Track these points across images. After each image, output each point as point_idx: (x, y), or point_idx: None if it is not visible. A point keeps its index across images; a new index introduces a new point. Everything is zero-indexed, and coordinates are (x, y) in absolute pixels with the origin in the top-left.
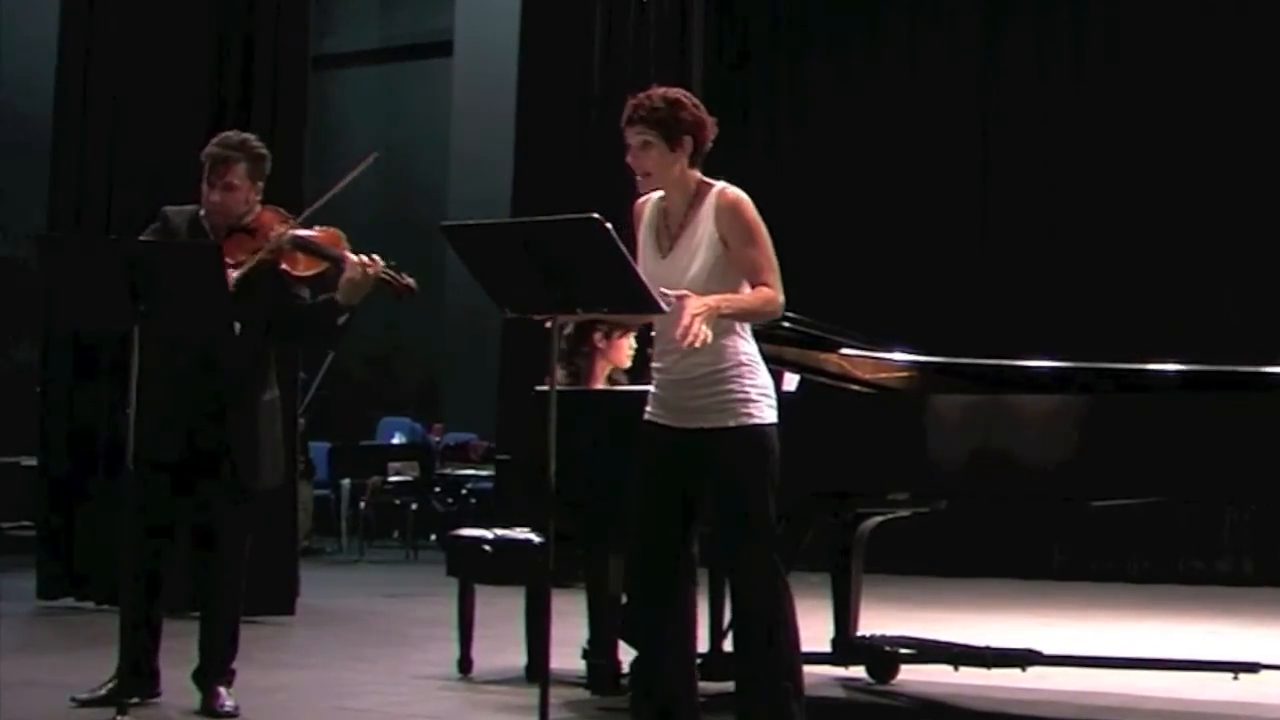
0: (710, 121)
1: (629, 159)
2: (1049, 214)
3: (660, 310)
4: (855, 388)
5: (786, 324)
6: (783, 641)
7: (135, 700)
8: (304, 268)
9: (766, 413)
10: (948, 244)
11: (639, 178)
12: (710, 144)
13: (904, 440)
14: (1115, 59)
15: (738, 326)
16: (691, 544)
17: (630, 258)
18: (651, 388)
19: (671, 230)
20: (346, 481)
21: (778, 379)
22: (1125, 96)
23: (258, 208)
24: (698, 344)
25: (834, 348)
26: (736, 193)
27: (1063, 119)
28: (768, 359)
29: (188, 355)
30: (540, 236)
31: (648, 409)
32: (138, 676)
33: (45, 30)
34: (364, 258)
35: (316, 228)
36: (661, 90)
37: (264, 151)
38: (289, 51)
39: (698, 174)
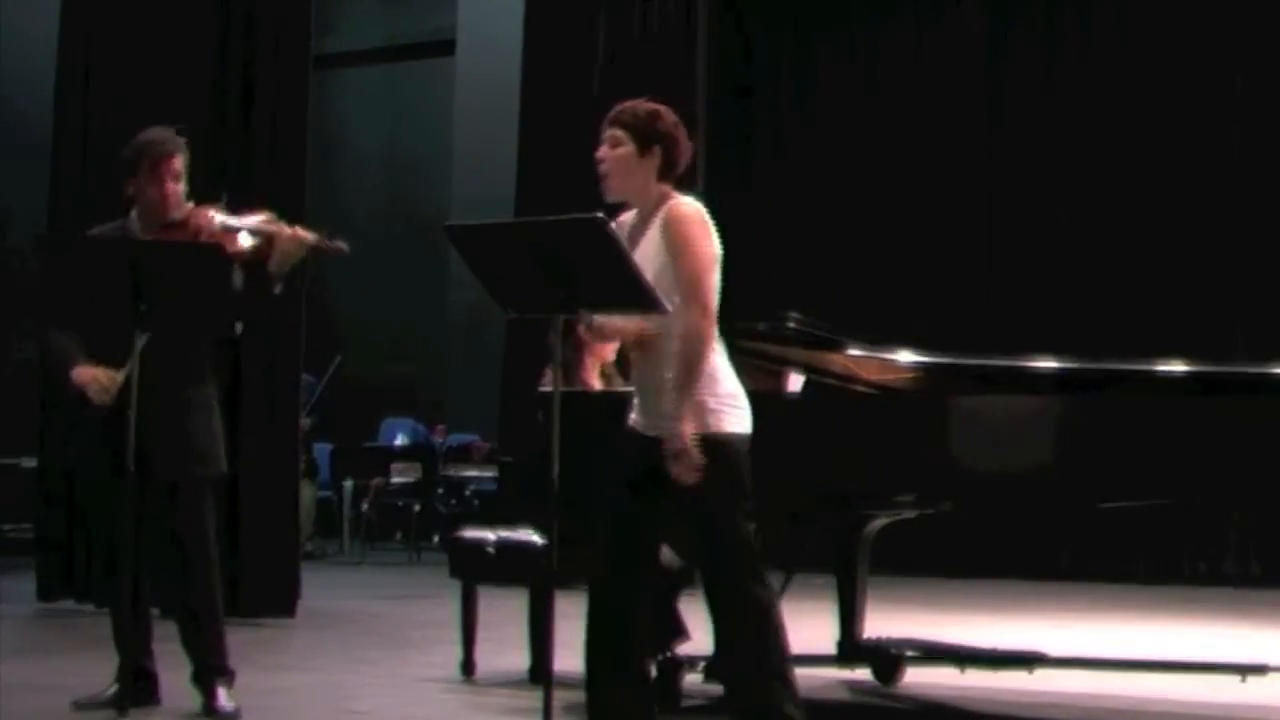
0: (686, 143)
1: (599, 163)
2: (1055, 215)
3: (664, 310)
4: (861, 388)
5: (792, 324)
6: (768, 650)
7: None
8: (237, 244)
9: (729, 423)
10: (954, 244)
11: (602, 184)
12: (683, 166)
13: (909, 441)
14: (1122, 59)
15: None
16: (659, 550)
17: (632, 258)
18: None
19: (633, 241)
20: (349, 483)
21: (783, 379)
22: (1132, 96)
23: (186, 206)
24: (695, 474)
25: (840, 348)
26: (685, 208)
27: (1069, 119)
28: (772, 359)
29: (113, 354)
30: (543, 236)
31: (631, 415)
32: (138, 681)
33: (45, 29)
34: (299, 230)
35: (245, 210)
36: (648, 100)
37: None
38: (291, 50)
39: (667, 189)
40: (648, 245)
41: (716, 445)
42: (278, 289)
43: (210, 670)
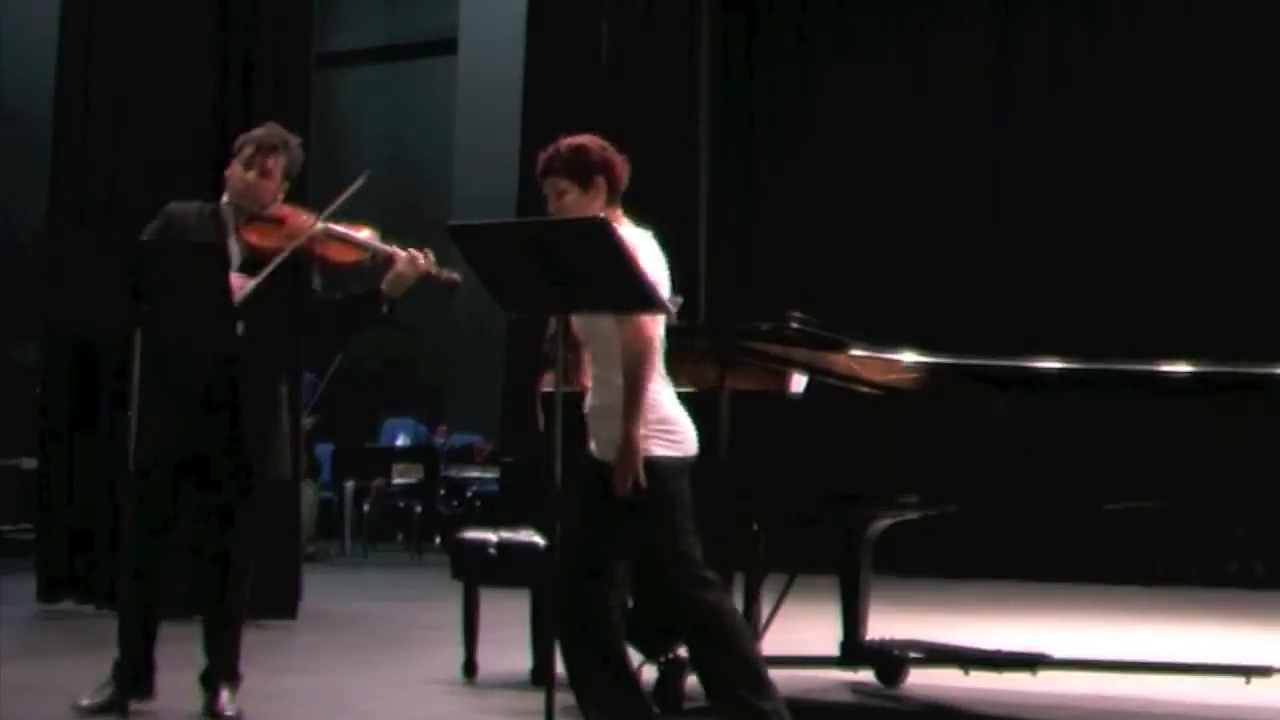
0: (621, 161)
1: (550, 210)
2: (1059, 215)
3: (668, 311)
4: (864, 389)
5: (795, 325)
6: (730, 649)
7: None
8: (343, 255)
9: (657, 447)
10: (958, 245)
11: None
12: (626, 182)
13: (912, 443)
14: (1127, 58)
15: None
16: (618, 567)
17: (636, 258)
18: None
19: None
20: (350, 484)
21: (786, 380)
22: (1137, 96)
23: (280, 203)
24: (636, 484)
25: (842, 349)
26: (631, 234)
27: (1074, 119)
28: (777, 360)
29: (204, 347)
30: (546, 236)
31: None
32: (135, 679)
33: (45, 29)
34: (413, 251)
35: (345, 223)
36: (566, 140)
37: (301, 155)
38: (292, 49)
39: (618, 213)
40: None
41: (646, 468)
42: (385, 309)
43: (224, 674)
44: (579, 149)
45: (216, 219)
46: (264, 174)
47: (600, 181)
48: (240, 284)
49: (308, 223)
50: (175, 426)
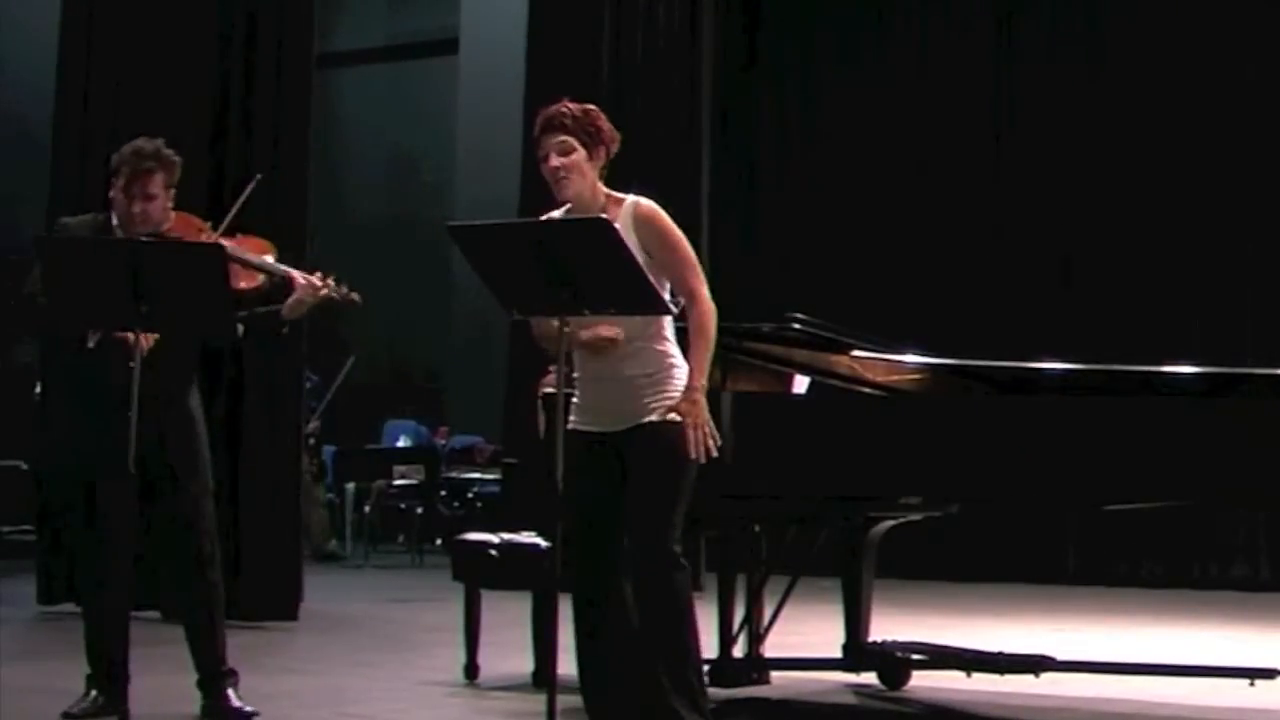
0: (617, 135)
1: (545, 168)
2: (1062, 215)
3: (670, 312)
4: (866, 390)
5: (797, 325)
6: (683, 652)
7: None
8: (244, 281)
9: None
10: (960, 246)
11: (559, 186)
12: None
13: (915, 444)
14: (1131, 62)
15: (665, 330)
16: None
17: (637, 259)
18: (574, 397)
19: None
20: (351, 485)
21: (788, 381)
22: (1141, 100)
23: (171, 215)
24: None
25: (845, 349)
26: (651, 203)
27: (1077, 120)
28: (779, 361)
29: (122, 360)
30: (548, 237)
31: (571, 418)
32: (113, 683)
33: (46, 30)
34: (313, 279)
35: (239, 236)
36: (572, 101)
37: (177, 159)
38: (293, 49)
39: (601, 186)
40: None
41: (667, 433)
42: (284, 331)
43: (221, 674)
44: (591, 113)
45: (110, 235)
46: (148, 199)
47: (603, 152)
48: (145, 342)
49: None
50: (99, 431)
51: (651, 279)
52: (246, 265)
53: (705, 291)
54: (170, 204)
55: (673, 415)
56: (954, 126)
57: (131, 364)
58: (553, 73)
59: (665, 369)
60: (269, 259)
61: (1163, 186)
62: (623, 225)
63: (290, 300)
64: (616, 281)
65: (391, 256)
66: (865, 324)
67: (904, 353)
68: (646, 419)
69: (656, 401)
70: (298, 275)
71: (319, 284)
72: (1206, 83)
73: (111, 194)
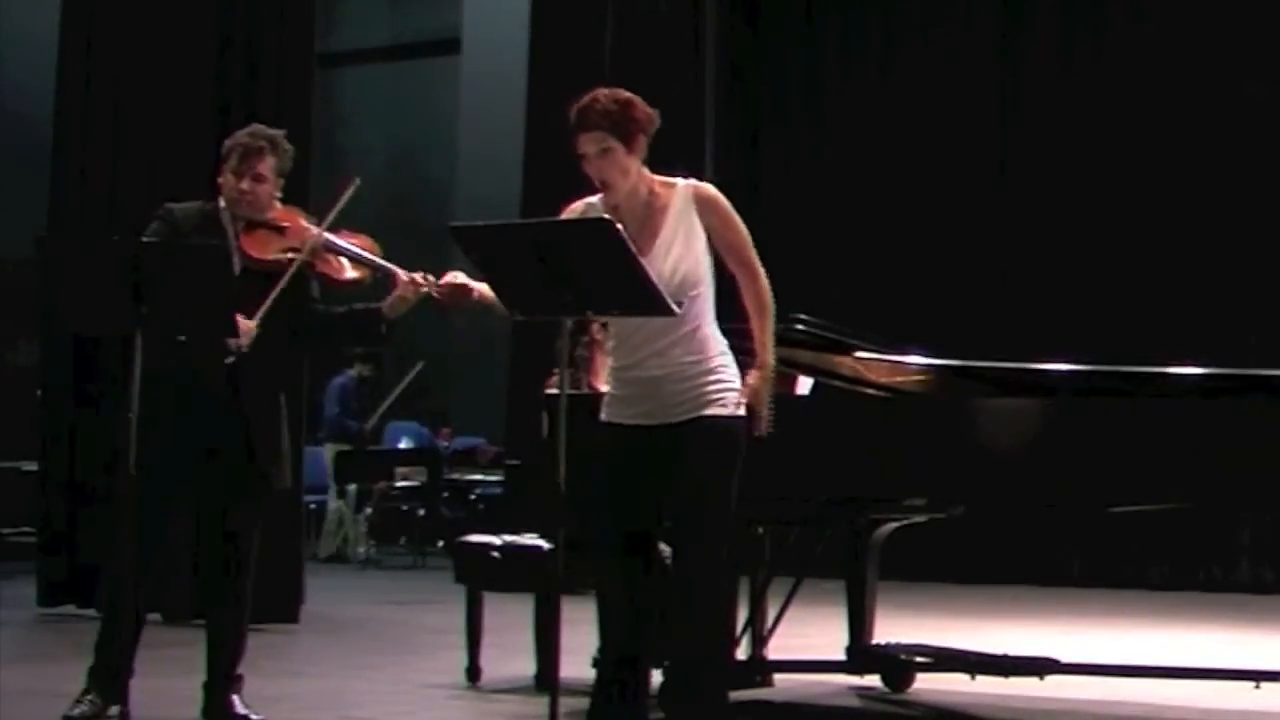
0: (656, 114)
1: (588, 169)
2: (1067, 216)
3: (672, 313)
4: (870, 391)
5: (800, 326)
6: (719, 642)
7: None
8: (345, 272)
9: (742, 407)
10: (964, 247)
11: (601, 187)
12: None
13: (919, 445)
14: (1136, 62)
15: (709, 313)
16: (658, 546)
17: (641, 259)
18: (610, 390)
19: (630, 230)
20: (353, 487)
21: (791, 382)
22: (1146, 99)
23: (278, 205)
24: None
25: (848, 350)
26: (709, 185)
27: (1081, 119)
28: (780, 362)
29: (209, 354)
30: (550, 238)
31: (606, 412)
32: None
33: (46, 31)
34: (416, 277)
35: (344, 231)
36: (607, 91)
37: (290, 149)
38: (294, 49)
39: (649, 174)
40: (676, 228)
41: (729, 428)
42: (384, 329)
43: (232, 679)
44: (628, 104)
45: (217, 222)
46: (257, 179)
47: (642, 141)
48: (247, 327)
49: (309, 233)
50: (177, 430)
51: (654, 279)
52: (352, 258)
53: (757, 265)
54: (278, 194)
55: (738, 406)
56: (959, 124)
57: (228, 359)
58: (555, 73)
59: (718, 355)
60: (369, 249)
61: (1169, 186)
62: (681, 207)
63: (391, 298)
64: (618, 282)
65: (393, 256)
66: (868, 324)
67: (908, 354)
68: (704, 412)
69: (716, 393)
70: (400, 272)
71: (421, 281)
72: (1212, 82)
73: (220, 178)
